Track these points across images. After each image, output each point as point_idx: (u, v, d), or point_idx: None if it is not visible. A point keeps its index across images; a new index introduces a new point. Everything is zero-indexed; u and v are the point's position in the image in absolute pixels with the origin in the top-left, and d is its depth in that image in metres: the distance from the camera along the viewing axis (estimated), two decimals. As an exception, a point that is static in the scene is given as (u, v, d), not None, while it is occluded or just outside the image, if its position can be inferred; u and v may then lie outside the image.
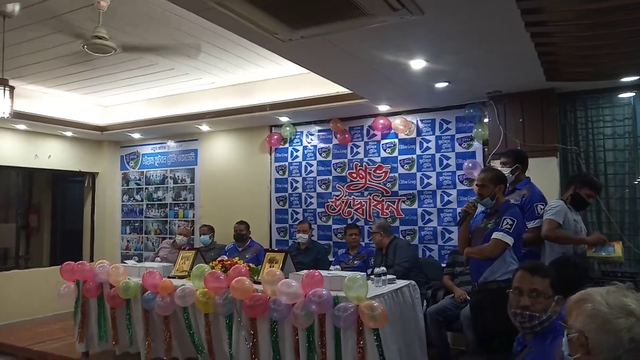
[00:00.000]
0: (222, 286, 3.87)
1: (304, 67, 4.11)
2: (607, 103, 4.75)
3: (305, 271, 3.87)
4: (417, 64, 3.83)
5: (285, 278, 3.70)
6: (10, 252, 7.21)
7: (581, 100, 4.82)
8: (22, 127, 6.41)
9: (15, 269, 6.86)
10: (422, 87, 4.53)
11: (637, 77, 4.34)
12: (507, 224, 3.24)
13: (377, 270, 4.04)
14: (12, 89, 4.06)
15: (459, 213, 5.02)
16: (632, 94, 4.62)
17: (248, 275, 3.98)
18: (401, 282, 4.00)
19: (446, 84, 4.41)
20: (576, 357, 1.34)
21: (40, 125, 6.33)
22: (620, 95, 4.69)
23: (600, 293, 1.35)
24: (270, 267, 4.10)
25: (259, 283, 3.87)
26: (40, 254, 7.88)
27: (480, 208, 3.53)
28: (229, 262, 4.36)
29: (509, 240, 3.22)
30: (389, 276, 4.02)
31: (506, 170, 3.75)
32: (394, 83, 4.39)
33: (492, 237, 3.24)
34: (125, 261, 5.42)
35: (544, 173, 4.51)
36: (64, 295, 4.68)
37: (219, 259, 4.65)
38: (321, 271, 3.76)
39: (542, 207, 3.67)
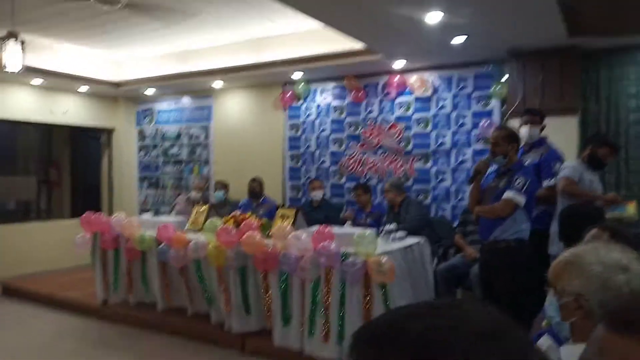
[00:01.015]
0: (233, 240, 3.94)
1: (317, 20, 4.01)
2: (631, 62, 4.57)
3: (316, 226, 3.93)
4: (433, 16, 3.71)
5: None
6: (31, 205, 7.40)
7: (605, 59, 4.65)
8: (37, 82, 6.45)
9: (37, 221, 7.06)
10: (439, 42, 4.40)
11: (665, 34, 4.16)
12: (519, 183, 3.20)
13: (387, 227, 4.07)
14: (23, 42, 4.06)
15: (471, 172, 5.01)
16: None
17: (259, 231, 4.04)
18: (411, 240, 4.02)
19: (464, 37, 4.27)
20: (572, 322, 1.33)
21: (56, 80, 6.36)
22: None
23: (590, 252, 1.33)
24: (282, 222, 4.15)
25: (271, 238, 3.94)
26: (60, 207, 8.08)
27: (493, 167, 3.48)
28: (241, 217, 4.42)
29: (521, 199, 3.19)
30: (399, 234, 4.04)
31: (535, 130, 3.67)
32: (409, 37, 4.27)
33: (504, 196, 3.21)
34: (141, 215, 5.55)
35: (562, 133, 4.41)
36: (80, 245, 4.83)
37: (231, 214, 4.72)
38: (332, 227, 3.79)
39: (560, 165, 3.61)
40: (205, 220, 4.62)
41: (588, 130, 4.71)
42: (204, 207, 4.83)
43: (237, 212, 4.88)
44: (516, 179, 3.22)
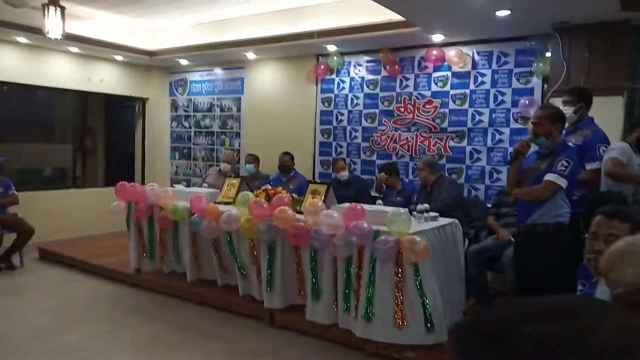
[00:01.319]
0: (265, 214, 3.94)
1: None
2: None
3: (346, 204, 3.89)
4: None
5: (327, 209, 3.73)
6: (67, 172, 7.58)
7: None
8: (74, 49, 6.51)
9: (73, 188, 7.24)
10: (482, 15, 4.23)
11: None
12: (562, 165, 3.08)
13: (419, 207, 3.99)
14: (63, 9, 4.07)
15: (510, 153, 4.86)
16: None
17: (291, 205, 4.03)
18: (444, 220, 3.95)
19: (508, 12, 4.08)
20: None
21: (92, 48, 6.40)
22: None
23: None
24: (312, 198, 4.13)
25: (301, 213, 3.93)
26: (95, 175, 8.26)
27: (533, 147, 3.35)
28: (273, 191, 4.41)
29: (563, 182, 3.07)
30: (431, 213, 3.97)
31: (569, 109, 3.50)
32: (450, 10, 4.12)
33: (545, 178, 3.09)
34: (174, 185, 5.60)
35: (607, 114, 4.20)
36: (115, 212, 4.92)
37: (263, 187, 4.72)
38: (363, 205, 3.75)
39: (605, 148, 3.45)
40: (237, 193, 4.64)
41: (634, 111, 4.49)
42: (236, 180, 4.84)
43: (268, 186, 4.89)
44: (559, 161, 3.09)
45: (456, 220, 4.05)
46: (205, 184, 5.88)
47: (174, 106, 7.73)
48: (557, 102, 4.28)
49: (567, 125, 3.41)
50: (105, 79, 7.13)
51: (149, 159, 7.91)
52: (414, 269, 3.35)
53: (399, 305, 3.37)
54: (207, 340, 3.75)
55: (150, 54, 6.97)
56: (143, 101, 7.81)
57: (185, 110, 7.60)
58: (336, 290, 3.66)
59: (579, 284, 2.39)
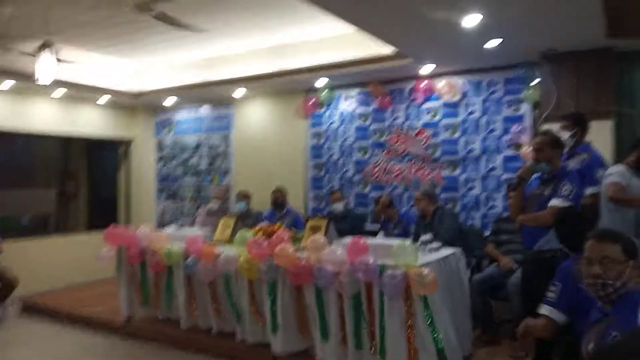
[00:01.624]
0: (265, 253, 3.82)
1: (350, 23, 3.90)
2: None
3: (348, 238, 3.81)
4: (472, 19, 3.60)
5: (329, 245, 3.64)
6: (49, 219, 7.34)
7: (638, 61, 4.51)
8: (58, 94, 6.40)
9: (53, 236, 6.96)
10: (472, 46, 4.29)
11: None
12: (566, 190, 3.07)
13: (424, 237, 3.94)
14: (57, 52, 3.98)
15: (507, 180, 4.87)
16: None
17: (290, 243, 3.93)
18: (447, 250, 3.89)
19: (499, 40, 4.15)
20: None
21: (77, 91, 6.30)
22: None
23: None
24: (312, 234, 4.03)
25: (303, 250, 3.83)
26: (77, 220, 8.01)
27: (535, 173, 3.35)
28: (271, 229, 4.31)
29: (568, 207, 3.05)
30: (434, 244, 3.91)
31: (566, 134, 3.53)
32: (443, 41, 4.17)
33: (550, 204, 3.08)
34: (164, 227, 5.44)
35: (597, 137, 4.21)
36: (104, 259, 4.72)
37: (259, 226, 4.61)
38: (366, 239, 3.67)
39: (602, 172, 3.46)
40: (233, 232, 4.52)
41: (622, 134, 4.56)
42: (231, 219, 4.72)
43: (264, 224, 4.78)
44: (562, 186, 3.09)
45: (459, 250, 4.00)
46: (198, 224, 5.73)
47: (160, 146, 7.62)
48: (549, 128, 4.35)
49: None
50: (89, 121, 7.02)
51: (134, 201, 7.72)
52: (423, 302, 3.26)
53: (410, 340, 3.26)
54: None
55: (136, 95, 6.90)
56: (127, 143, 7.69)
57: (172, 150, 7.49)
58: (344, 328, 3.53)
59: None
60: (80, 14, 4.61)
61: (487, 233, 4.86)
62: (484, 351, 3.90)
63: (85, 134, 7.07)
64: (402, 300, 3.29)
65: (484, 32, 3.92)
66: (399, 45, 4.56)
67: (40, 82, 4.02)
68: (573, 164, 3.47)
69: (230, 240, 4.47)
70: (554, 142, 3.23)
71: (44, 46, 4.10)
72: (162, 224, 6.84)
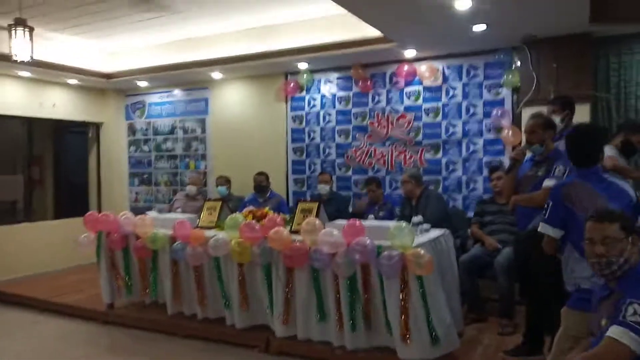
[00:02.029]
0: (258, 236, 3.79)
1: (340, 5, 3.86)
2: (640, 49, 4.61)
3: (342, 221, 3.82)
4: (463, 3, 3.64)
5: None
6: (18, 205, 7.01)
7: (615, 46, 4.67)
8: (25, 74, 6.08)
9: (25, 222, 6.68)
10: (459, 30, 4.34)
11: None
12: (560, 170, 3.16)
13: (414, 219, 3.99)
14: (32, 30, 3.77)
15: (488, 163, 4.99)
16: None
17: (283, 226, 3.91)
18: (438, 231, 3.96)
19: (484, 26, 4.22)
20: None
21: (44, 72, 6.01)
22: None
23: None
24: (303, 217, 4.01)
25: (293, 233, 3.82)
26: (44, 207, 7.69)
27: (527, 155, 3.44)
28: (260, 212, 4.27)
29: (562, 187, 3.15)
30: (425, 225, 3.97)
31: (557, 118, 3.63)
32: (431, 24, 4.19)
33: (544, 184, 3.16)
34: (139, 213, 5.29)
35: (575, 120, 4.37)
36: (84, 244, 4.57)
37: (246, 209, 4.57)
38: (362, 221, 3.69)
39: None
40: (219, 216, 4.45)
41: (599, 117, 4.74)
42: (215, 203, 4.63)
43: (249, 208, 4.73)
44: (556, 167, 3.18)
45: (447, 231, 4.08)
46: (179, 209, 5.61)
47: (132, 130, 7.38)
48: (528, 111, 4.48)
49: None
50: (58, 103, 6.71)
51: (105, 186, 7.47)
52: (418, 283, 3.32)
53: (405, 320, 3.32)
54: (205, 375, 3.52)
55: (107, 76, 6.63)
56: (97, 126, 7.41)
57: (144, 134, 7.27)
58: (339, 309, 3.56)
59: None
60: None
61: (469, 214, 4.97)
62: (473, 328, 4.02)
63: (53, 117, 6.76)
64: (398, 280, 3.34)
65: (471, 17, 3.97)
66: (385, 29, 4.55)
67: (18, 59, 3.80)
68: (562, 145, 3.57)
69: (217, 225, 4.40)
70: (547, 124, 3.33)
71: (18, 23, 3.87)
72: (135, 210, 6.65)
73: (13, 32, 3.72)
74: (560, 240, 2.62)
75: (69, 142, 7.99)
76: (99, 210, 7.14)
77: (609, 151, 3.49)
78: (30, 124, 7.06)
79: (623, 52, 4.66)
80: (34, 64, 5.58)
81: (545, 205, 2.66)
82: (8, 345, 4.12)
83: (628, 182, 2.99)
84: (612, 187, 2.58)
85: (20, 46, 3.70)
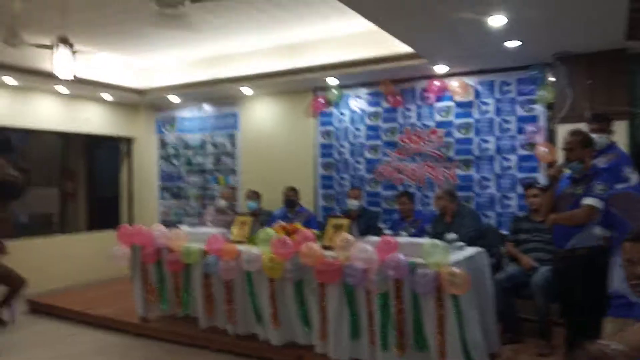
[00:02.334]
0: (290, 252, 3.80)
1: (370, 21, 3.88)
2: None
3: (374, 237, 3.81)
4: (496, 20, 3.63)
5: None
6: (53, 218, 7.19)
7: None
8: (62, 90, 6.27)
9: (54, 235, 6.84)
10: (491, 47, 4.33)
11: None
12: (599, 189, 3.12)
13: (448, 236, 3.95)
14: (72, 47, 3.90)
15: (521, 179, 4.93)
16: None
17: (315, 241, 3.91)
18: (473, 249, 3.91)
19: (518, 43, 4.20)
20: None
21: (80, 88, 6.19)
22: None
23: None
24: (334, 232, 4.00)
25: (324, 248, 3.82)
26: (77, 219, 7.87)
27: (566, 173, 3.39)
28: (292, 227, 4.28)
29: (601, 205, 3.10)
30: (459, 243, 3.93)
31: (603, 137, 3.58)
32: (463, 41, 4.19)
33: (584, 202, 3.12)
34: (170, 226, 5.36)
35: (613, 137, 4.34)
36: (119, 257, 4.62)
37: (277, 224, 4.58)
38: (396, 237, 3.67)
39: (630, 169, 3.52)
40: (251, 231, 4.48)
41: (636, 134, 4.65)
42: (247, 218, 4.67)
43: (279, 223, 4.75)
44: (595, 185, 3.13)
45: (483, 249, 4.02)
46: (209, 223, 5.67)
47: (163, 144, 7.52)
48: (563, 128, 4.43)
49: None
50: (91, 118, 6.90)
51: (136, 200, 7.62)
52: (453, 301, 3.27)
53: (441, 339, 3.28)
54: (238, 390, 3.52)
55: (140, 92, 6.80)
56: (129, 140, 7.58)
57: (175, 148, 7.40)
58: (371, 326, 3.53)
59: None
60: (92, 11, 4.55)
61: (502, 231, 4.90)
62: (509, 348, 3.93)
63: (87, 132, 6.94)
64: (433, 299, 3.31)
65: (504, 34, 3.95)
66: (415, 45, 4.57)
67: (61, 77, 3.93)
68: (601, 163, 3.52)
69: (248, 239, 4.43)
70: (586, 142, 3.29)
71: (60, 40, 4.00)
72: (165, 223, 6.74)
73: (55, 49, 3.85)
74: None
75: (100, 157, 8.20)
76: (130, 223, 7.26)
77: None
78: (65, 138, 7.27)
79: (660, 68, 4.57)
80: (69, 80, 5.79)
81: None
82: (48, 357, 4.20)
83: None
84: None
85: (62, 64, 3.82)
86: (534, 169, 4.97)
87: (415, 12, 3.56)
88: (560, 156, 3.85)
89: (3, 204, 4.61)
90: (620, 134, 4.49)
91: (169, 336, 4.49)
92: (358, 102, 5.93)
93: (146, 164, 7.60)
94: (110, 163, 7.90)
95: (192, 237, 4.49)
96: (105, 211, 7.81)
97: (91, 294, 5.91)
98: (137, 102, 7.24)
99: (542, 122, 4.95)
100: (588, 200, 3.11)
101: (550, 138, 4.84)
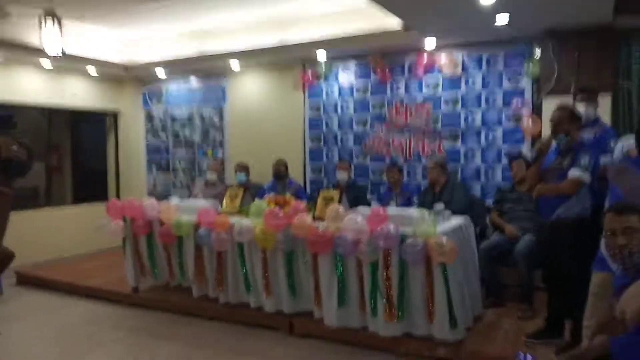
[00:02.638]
0: (281, 223, 3.86)
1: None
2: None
3: (364, 208, 3.89)
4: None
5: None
6: (39, 190, 7.13)
7: (638, 36, 4.67)
8: (47, 64, 6.14)
9: (39, 208, 6.79)
10: (481, 19, 4.33)
11: None
12: (585, 161, 3.21)
13: (436, 207, 4.04)
14: (60, 22, 3.80)
15: (507, 152, 5.02)
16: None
17: (306, 213, 3.97)
18: (459, 219, 4.01)
19: (507, 15, 4.22)
20: None
21: (65, 62, 6.06)
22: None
23: None
24: (325, 204, 4.07)
25: (315, 219, 3.89)
26: (63, 193, 7.81)
27: (552, 145, 3.47)
28: (283, 199, 4.33)
29: (587, 177, 3.20)
30: (446, 213, 4.02)
31: (592, 108, 3.65)
32: (453, 12, 4.19)
33: (570, 174, 3.21)
34: (159, 199, 5.37)
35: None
36: (113, 231, 4.64)
37: (268, 196, 4.63)
38: (386, 208, 3.75)
39: (615, 142, 3.60)
40: (242, 203, 4.52)
41: (619, 107, 4.75)
42: (238, 190, 4.71)
43: (270, 195, 4.79)
44: (581, 157, 3.22)
45: (468, 218, 4.13)
46: (200, 195, 5.68)
47: (149, 117, 7.45)
48: (549, 101, 4.51)
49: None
50: (77, 93, 6.79)
51: (123, 173, 7.58)
52: (441, 269, 3.38)
53: (430, 305, 3.40)
54: (233, 355, 3.62)
55: (126, 66, 6.69)
56: (115, 114, 7.49)
57: (161, 120, 7.34)
58: (362, 294, 3.63)
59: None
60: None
61: (487, 202, 5.02)
62: (492, 312, 4.09)
63: (72, 106, 6.84)
64: (422, 267, 3.41)
65: (493, 5, 3.96)
66: (406, 17, 4.56)
67: (49, 53, 3.84)
68: (586, 136, 3.60)
69: (239, 211, 4.47)
70: (573, 116, 3.37)
71: (47, 15, 3.89)
72: (153, 196, 6.73)
73: (43, 23, 3.74)
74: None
75: (87, 130, 8.10)
76: (118, 197, 7.26)
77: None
78: (50, 112, 7.15)
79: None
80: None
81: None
82: (39, 329, 4.24)
83: None
84: None
85: (50, 39, 3.73)
86: (519, 142, 5.07)
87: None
88: (546, 129, 3.92)
89: (9, 181, 4.56)
90: (604, 106, 4.59)
91: (161, 305, 4.56)
92: (347, 76, 5.93)
93: (133, 138, 7.53)
94: (97, 137, 7.81)
95: (182, 210, 4.52)
96: (91, 185, 7.76)
97: (80, 266, 5.94)
98: (123, 76, 7.12)
99: (528, 95, 5.02)
100: (574, 173, 3.20)
101: (536, 111, 4.92)
